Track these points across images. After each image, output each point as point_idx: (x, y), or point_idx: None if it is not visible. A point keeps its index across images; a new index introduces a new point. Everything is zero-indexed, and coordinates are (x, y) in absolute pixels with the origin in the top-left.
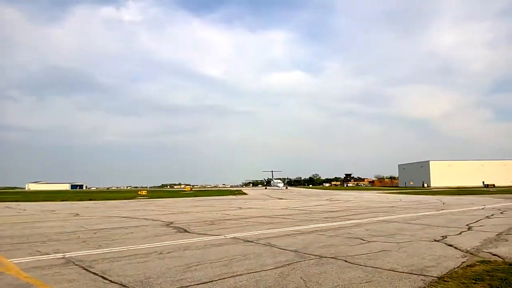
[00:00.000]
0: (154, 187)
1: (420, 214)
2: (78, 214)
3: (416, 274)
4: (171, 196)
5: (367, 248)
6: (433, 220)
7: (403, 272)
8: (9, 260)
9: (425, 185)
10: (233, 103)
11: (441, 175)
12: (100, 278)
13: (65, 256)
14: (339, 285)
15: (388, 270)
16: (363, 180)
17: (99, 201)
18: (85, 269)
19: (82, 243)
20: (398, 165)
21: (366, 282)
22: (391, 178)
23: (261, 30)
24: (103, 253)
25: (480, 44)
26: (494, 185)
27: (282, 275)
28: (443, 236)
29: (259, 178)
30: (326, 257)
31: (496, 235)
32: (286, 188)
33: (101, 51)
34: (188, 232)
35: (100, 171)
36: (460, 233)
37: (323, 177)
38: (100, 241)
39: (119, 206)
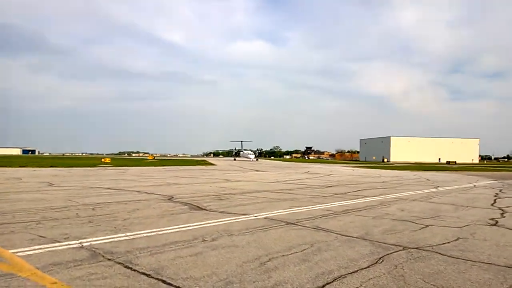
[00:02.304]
0: (111, 154)
1: (426, 191)
2: (51, 184)
3: None
4: (136, 164)
5: (439, 235)
6: (449, 199)
7: None
8: (10, 251)
9: (385, 159)
10: (194, 71)
11: (401, 150)
12: (164, 285)
13: (83, 244)
14: None
15: (504, 266)
16: (323, 153)
17: (63, 168)
18: (127, 267)
19: (89, 223)
20: (360, 139)
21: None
22: (351, 152)
23: None
24: (129, 239)
25: (441, 24)
26: (455, 162)
27: (395, 277)
28: (491, 219)
29: (220, 148)
30: (410, 248)
31: None
32: (257, 160)
33: (53, 9)
34: (205, 209)
35: (53, 136)
36: (503, 215)
37: (283, 149)
38: (108, 220)
39: (90, 175)
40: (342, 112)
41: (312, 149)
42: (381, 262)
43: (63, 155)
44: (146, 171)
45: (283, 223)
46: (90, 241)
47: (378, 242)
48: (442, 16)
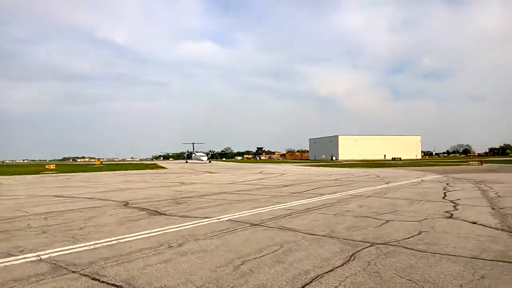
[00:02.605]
0: (55, 160)
1: (379, 187)
2: None
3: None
4: (83, 170)
5: (401, 229)
6: (402, 194)
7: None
8: None
9: (334, 158)
10: (141, 72)
11: (348, 149)
12: None
13: (41, 257)
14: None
15: (471, 258)
16: (274, 153)
17: (5, 177)
18: (95, 279)
19: (43, 234)
20: (309, 139)
21: (481, 278)
22: (301, 151)
23: None
24: (90, 249)
25: (382, 28)
26: (400, 158)
27: (371, 274)
28: (446, 212)
29: (171, 151)
30: (378, 244)
31: (492, 208)
32: (210, 162)
33: None
34: (164, 214)
35: None
36: (456, 208)
37: (234, 151)
38: (64, 230)
39: (36, 182)
40: (292, 113)
41: (263, 149)
42: (354, 259)
43: (3, 162)
44: (94, 177)
45: (248, 225)
46: (48, 253)
47: (345, 239)
48: (383, 21)
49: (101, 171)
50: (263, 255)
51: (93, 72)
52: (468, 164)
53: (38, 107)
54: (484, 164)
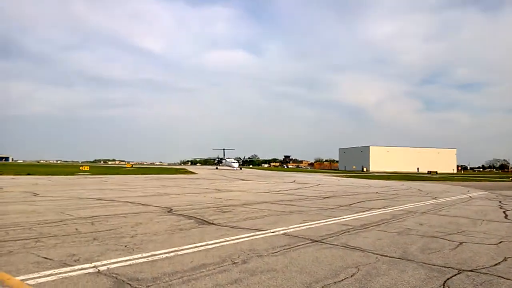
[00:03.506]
0: (87, 162)
1: (428, 202)
2: (36, 193)
3: None
4: (115, 172)
5: (481, 254)
6: (458, 211)
7: None
8: (18, 277)
9: (365, 169)
10: (172, 79)
11: (379, 160)
12: None
13: (99, 268)
14: None
15: None
16: (301, 162)
17: (41, 176)
18: None
19: (94, 241)
20: (339, 149)
21: None
22: (330, 161)
23: (202, 4)
24: (149, 261)
25: (414, 36)
26: (436, 172)
27: None
28: None
29: (198, 157)
30: (465, 270)
31: None
32: (240, 169)
33: (31, 16)
34: (213, 224)
35: (27, 144)
36: None
37: (261, 158)
38: (114, 237)
39: (73, 184)
40: (320, 122)
41: (291, 157)
42: None
43: (38, 162)
44: (129, 180)
45: (308, 241)
46: (105, 265)
47: (425, 263)
48: (416, 29)
49: (133, 174)
50: (342, 280)
51: (125, 78)
52: (510, 181)
53: (73, 111)
54: None
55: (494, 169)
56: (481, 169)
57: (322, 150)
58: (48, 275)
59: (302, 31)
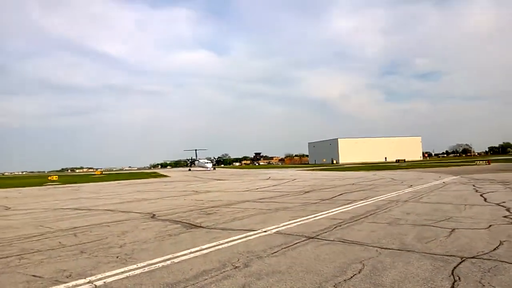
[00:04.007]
0: (54, 171)
1: (406, 191)
2: (7, 207)
3: None
4: (86, 180)
5: (477, 239)
6: (438, 198)
7: None
8: None
9: (334, 161)
10: (136, 82)
11: (348, 152)
12: None
13: (95, 283)
14: None
15: None
16: (272, 158)
17: (9, 189)
18: None
19: (82, 254)
20: (308, 143)
21: None
22: (300, 156)
23: (163, 6)
24: (146, 272)
25: (373, 30)
26: (404, 160)
27: None
28: (505, 216)
29: (168, 159)
30: (468, 258)
31: None
32: (214, 169)
33: None
34: (201, 227)
35: None
36: (511, 211)
37: (232, 157)
38: (102, 248)
39: (44, 195)
40: (287, 118)
41: (261, 154)
42: (459, 279)
43: (3, 174)
44: (102, 187)
45: (304, 238)
46: (101, 279)
47: (426, 253)
48: (374, 23)
49: (105, 181)
50: (351, 277)
51: (87, 84)
52: (476, 164)
53: (33, 120)
54: (491, 164)
55: (458, 154)
56: (445, 155)
57: (291, 145)
58: None
59: (266, 29)
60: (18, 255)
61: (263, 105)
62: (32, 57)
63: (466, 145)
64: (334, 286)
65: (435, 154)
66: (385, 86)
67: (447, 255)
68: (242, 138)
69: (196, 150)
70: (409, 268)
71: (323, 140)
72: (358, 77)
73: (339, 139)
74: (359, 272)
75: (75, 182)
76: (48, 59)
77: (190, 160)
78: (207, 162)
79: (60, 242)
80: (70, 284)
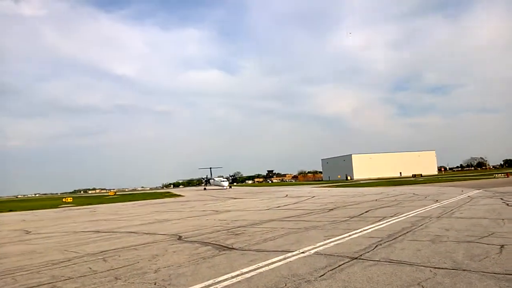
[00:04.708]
0: (66, 193)
1: (434, 206)
2: (28, 231)
3: None
4: (100, 202)
5: None
6: (471, 213)
7: None
8: None
9: (349, 177)
10: (147, 103)
11: (363, 167)
12: None
13: None
14: None
15: None
16: (285, 175)
17: (25, 212)
18: None
19: (117, 281)
20: (321, 159)
21: None
22: (314, 172)
23: (174, 28)
24: None
25: (383, 45)
26: (421, 175)
27: None
28: None
29: (180, 179)
30: None
31: None
32: (230, 187)
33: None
34: (233, 248)
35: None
36: None
37: (244, 175)
38: (136, 274)
39: (61, 217)
40: (299, 135)
41: (274, 172)
42: None
43: (16, 197)
44: (118, 208)
45: (347, 259)
46: None
47: (485, 272)
48: (383, 38)
49: (119, 202)
50: None
51: (100, 105)
52: (494, 177)
53: (49, 142)
54: (510, 176)
55: (472, 168)
56: (459, 169)
57: (304, 162)
58: None
59: (277, 47)
60: (49, 283)
61: (274, 122)
62: (44, 80)
63: (481, 158)
64: None
65: (449, 168)
66: (396, 101)
67: (509, 274)
68: (254, 155)
69: (211, 168)
70: None
71: (337, 156)
72: (370, 92)
73: (353, 155)
74: None
75: (90, 204)
76: (60, 81)
77: (205, 179)
78: (223, 181)
79: (90, 268)
80: None
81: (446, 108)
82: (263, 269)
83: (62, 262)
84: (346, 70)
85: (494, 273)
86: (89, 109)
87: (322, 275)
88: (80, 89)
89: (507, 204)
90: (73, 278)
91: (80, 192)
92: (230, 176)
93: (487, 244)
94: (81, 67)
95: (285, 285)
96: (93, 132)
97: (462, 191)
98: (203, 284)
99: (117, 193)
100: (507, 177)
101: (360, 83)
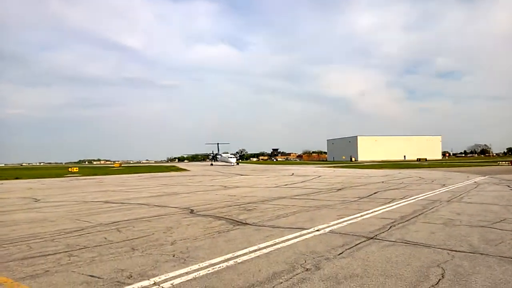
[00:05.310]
0: (71, 162)
1: (442, 190)
2: (36, 199)
3: None
4: (105, 173)
5: None
6: (479, 198)
7: None
8: None
9: (353, 159)
10: (154, 76)
11: (367, 149)
12: None
13: (163, 286)
14: None
15: None
16: (289, 154)
17: (31, 180)
18: None
19: (134, 251)
20: (327, 140)
21: None
22: (318, 152)
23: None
24: (212, 273)
25: (394, 27)
26: (426, 159)
27: None
28: None
29: (185, 153)
30: None
31: None
32: (237, 164)
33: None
34: (247, 223)
35: (7, 147)
36: None
37: (249, 152)
38: (153, 245)
39: (69, 187)
40: (305, 114)
41: (279, 150)
42: None
43: (21, 165)
44: (126, 180)
45: (363, 238)
46: (166, 280)
47: (503, 257)
48: (396, 20)
49: (125, 173)
50: (438, 282)
51: (106, 76)
52: (498, 165)
53: (53, 112)
54: None
55: (476, 154)
56: (463, 155)
57: (309, 142)
58: None
59: (285, 24)
60: (65, 251)
61: (281, 101)
62: (51, 49)
63: (485, 145)
64: None
65: (453, 154)
66: (405, 85)
67: None
68: (259, 133)
69: (218, 144)
70: (494, 273)
71: (342, 138)
72: (378, 74)
73: (358, 137)
74: (442, 277)
75: (96, 174)
76: (66, 51)
77: (212, 155)
78: (231, 157)
79: (105, 238)
80: (136, 285)
81: (455, 94)
82: (280, 245)
83: (75, 231)
84: (356, 51)
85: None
86: (95, 81)
87: (341, 253)
88: (86, 60)
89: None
90: (88, 247)
91: (85, 162)
92: (238, 152)
93: (501, 229)
94: (87, 37)
95: (305, 261)
96: (99, 104)
97: (468, 177)
98: (222, 258)
99: (122, 165)
100: (511, 165)
101: (369, 65)
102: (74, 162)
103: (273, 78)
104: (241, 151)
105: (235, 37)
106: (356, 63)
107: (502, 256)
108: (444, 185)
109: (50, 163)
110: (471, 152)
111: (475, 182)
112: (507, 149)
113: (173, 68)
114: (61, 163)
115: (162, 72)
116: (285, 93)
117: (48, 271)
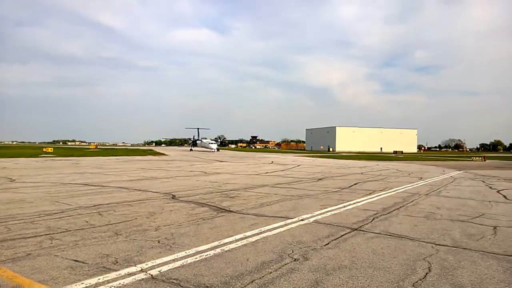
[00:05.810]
0: (45, 142)
1: (420, 183)
2: (11, 179)
3: None
4: (81, 154)
5: None
6: (456, 193)
7: None
8: None
9: (331, 149)
10: (133, 57)
11: (345, 140)
12: None
13: (151, 273)
14: None
15: None
16: (268, 142)
17: (4, 159)
18: None
19: (118, 236)
20: (306, 129)
21: None
22: (297, 141)
23: None
24: (199, 261)
25: (375, 18)
26: (402, 152)
27: None
28: None
29: (163, 138)
30: None
31: None
32: (218, 150)
33: None
34: (231, 211)
35: None
36: None
37: (228, 139)
38: (137, 230)
39: (45, 167)
40: (285, 103)
41: (258, 138)
42: None
43: None
44: (103, 162)
45: (348, 230)
46: (153, 267)
47: (485, 252)
48: (377, 12)
49: (101, 156)
50: (425, 276)
51: (84, 55)
52: (472, 160)
53: (27, 90)
54: (487, 160)
55: (450, 149)
56: (437, 149)
57: (288, 131)
58: (96, 285)
59: (269, 10)
60: (46, 234)
61: (262, 88)
62: (28, 25)
63: (459, 140)
64: (413, 285)
65: (428, 148)
66: (383, 77)
67: (509, 255)
68: (238, 120)
69: (198, 129)
70: (480, 268)
71: (321, 127)
72: (358, 66)
73: (337, 127)
74: (429, 271)
75: (72, 155)
76: (44, 28)
77: (192, 140)
78: (212, 143)
79: (87, 222)
80: (122, 272)
81: (431, 88)
82: (266, 233)
83: (55, 213)
84: (337, 41)
85: (494, 253)
86: (71, 59)
87: (327, 244)
88: (63, 37)
89: (490, 187)
90: (70, 230)
91: (59, 143)
92: (220, 138)
93: (480, 224)
94: (65, 13)
95: (292, 251)
96: (75, 83)
97: (444, 171)
98: (208, 246)
99: (98, 147)
100: (484, 160)
101: (349, 56)
102: (48, 142)
103: (255, 65)
104: (222, 137)
105: (218, 21)
106: (337, 53)
107: (484, 252)
108: (421, 178)
109: (23, 142)
110: (446, 147)
111: (451, 176)
112: (480, 144)
113: (153, 50)
114: (35, 142)
115: (142, 54)
116: (266, 81)
117: (30, 254)
